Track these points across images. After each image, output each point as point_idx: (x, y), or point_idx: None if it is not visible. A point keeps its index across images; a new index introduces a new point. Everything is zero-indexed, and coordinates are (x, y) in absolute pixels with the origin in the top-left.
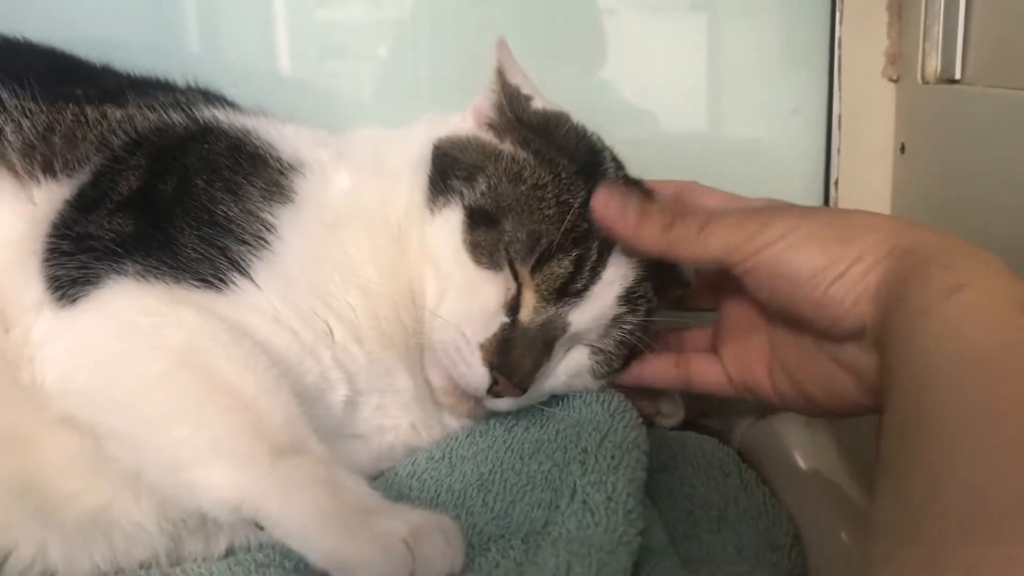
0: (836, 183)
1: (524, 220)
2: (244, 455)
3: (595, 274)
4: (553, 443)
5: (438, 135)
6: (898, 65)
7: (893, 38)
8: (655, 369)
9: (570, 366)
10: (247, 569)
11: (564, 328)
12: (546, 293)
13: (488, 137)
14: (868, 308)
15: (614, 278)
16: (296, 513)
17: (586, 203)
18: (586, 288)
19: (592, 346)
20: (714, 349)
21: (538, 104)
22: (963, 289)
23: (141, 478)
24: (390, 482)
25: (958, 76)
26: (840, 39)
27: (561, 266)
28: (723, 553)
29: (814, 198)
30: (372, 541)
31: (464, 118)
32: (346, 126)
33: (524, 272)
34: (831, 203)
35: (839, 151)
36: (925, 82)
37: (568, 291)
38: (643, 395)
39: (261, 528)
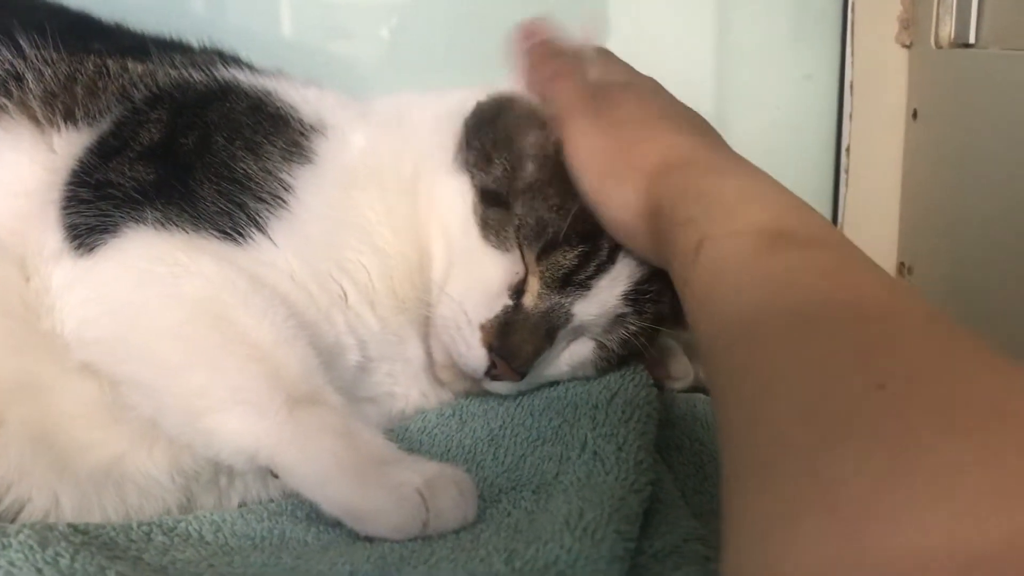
0: (848, 149)
1: (536, 205)
2: (261, 404)
3: (601, 269)
4: (563, 400)
5: (487, 94)
6: (911, 30)
7: (907, 3)
8: None
9: (573, 357)
10: (259, 516)
11: (568, 318)
12: (550, 281)
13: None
14: (660, 255)
15: (621, 275)
16: (312, 462)
17: None
18: (591, 280)
19: (597, 340)
20: None
21: None
22: (703, 246)
23: (159, 426)
24: (400, 437)
25: (972, 40)
26: (853, 4)
27: (566, 258)
28: None
29: (826, 164)
30: (387, 491)
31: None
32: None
33: (530, 257)
34: (842, 169)
35: (851, 117)
36: (939, 47)
37: (572, 281)
38: (654, 359)
39: (276, 476)
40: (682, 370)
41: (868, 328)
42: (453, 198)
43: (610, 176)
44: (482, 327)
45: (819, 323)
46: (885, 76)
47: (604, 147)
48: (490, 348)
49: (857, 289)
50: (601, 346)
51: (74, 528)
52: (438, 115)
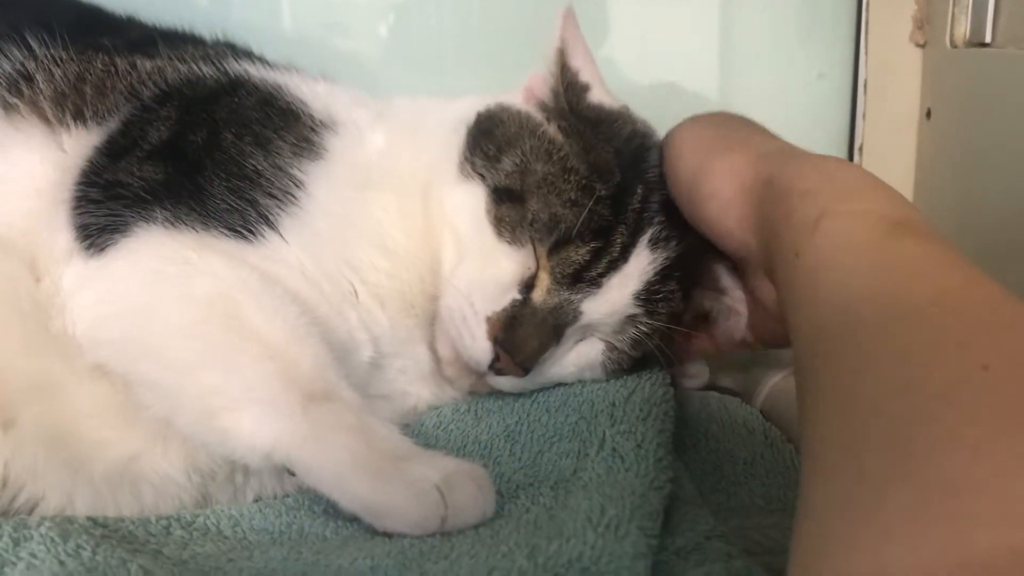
0: (860, 148)
1: (549, 201)
2: (276, 402)
3: (612, 267)
4: (580, 397)
5: (486, 104)
6: (925, 30)
7: (921, 2)
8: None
9: (581, 357)
10: (277, 511)
11: (576, 316)
12: (560, 277)
13: (536, 115)
14: (753, 238)
15: (634, 274)
16: (328, 459)
17: (618, 197)
18: (602, 278)
19: (607, 341)
20: None
21: (594, 97)
22: (825, 219)
23: (173, 426)
24: (416, 432)
25: (988, 39)
26: (867, 3)
27: (578, 253)
28: (751, 504)
29: None
30: (405, 487)
31: (515, 95)
32: None
33: (542, 252)
34: None
35: (864, 116)
36: (954, 46)
37: (583, 278)
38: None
39: (293, 474)
40: (698, 368)
41: (975, 315)
42: (464, 203)
43: (718, 152)
44: (488, 319)
45: (930, 308)
46: (899, 75)
47: (711, 134)
48: (495, 341)
49: (965, 281)
50: (611, 347)
51: (94, 521)
52: (449, 124)
